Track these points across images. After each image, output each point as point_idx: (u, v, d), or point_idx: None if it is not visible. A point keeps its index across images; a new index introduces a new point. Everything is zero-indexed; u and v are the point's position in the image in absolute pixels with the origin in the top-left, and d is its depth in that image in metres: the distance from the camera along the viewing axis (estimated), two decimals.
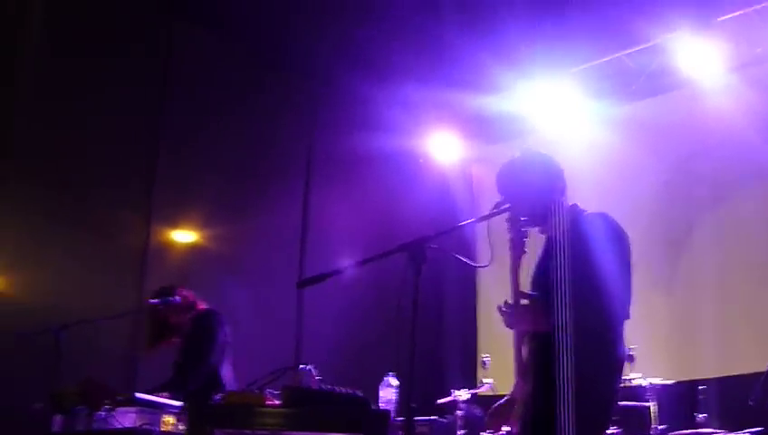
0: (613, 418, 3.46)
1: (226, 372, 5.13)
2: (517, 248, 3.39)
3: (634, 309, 3.33)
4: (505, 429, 5.68)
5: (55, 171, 6.81)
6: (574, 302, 3.06)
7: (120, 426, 4.05)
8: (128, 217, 7.35)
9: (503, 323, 3.42)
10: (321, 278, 2.84)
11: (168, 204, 7.66)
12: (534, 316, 3.34)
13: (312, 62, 8.42)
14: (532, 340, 3.42)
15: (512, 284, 3.40)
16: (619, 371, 3.37)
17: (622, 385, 3.93)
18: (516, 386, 3.47)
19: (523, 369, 3.42)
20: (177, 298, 5.11)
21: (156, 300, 5.15)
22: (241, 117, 8.13)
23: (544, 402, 3.09)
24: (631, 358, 5.58)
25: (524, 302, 3.40)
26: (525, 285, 3.46)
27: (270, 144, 8.39)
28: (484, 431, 6.38)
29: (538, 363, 3.33)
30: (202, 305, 5.33)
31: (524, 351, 3.44)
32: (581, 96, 8.38)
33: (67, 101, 6.92)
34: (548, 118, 8.62)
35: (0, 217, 6.40)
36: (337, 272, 2.91)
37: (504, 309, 3.37)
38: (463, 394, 6.53)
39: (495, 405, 3.60)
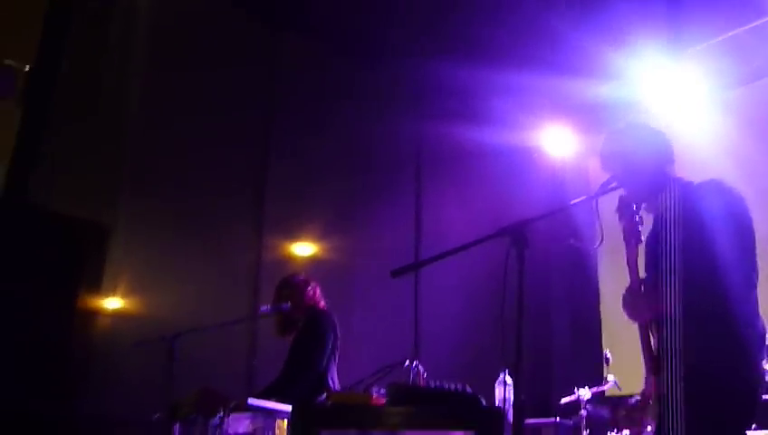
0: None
1: (332, 375, 5.09)
2: (632, 237, 3.15)
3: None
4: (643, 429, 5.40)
5: (168, 188, 6.92)
6: (688, 284, 2.81)
7: (233, 432, 4.04)
8: (240, 230, 7.42)
9: (625, 316, 3.20)
10: (414, 267, 2.73)
11: (279, 216, 7.69)
12: (653, 303, 3.08)
13: (419, 56, 8.28)
14: (660, 330, 3.14)
15: (630, 276, 3.16)
16: (754, 354, 3.01)
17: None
18: (647, 382, 3.19)
19: (652, 363, 3.18)
20: (286, 305, 5.12)
21: (266, 307, 5.21)
22: (348, 120, 8.09)
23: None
24: None
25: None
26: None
27: (378, 146, 8.34)
28: (611, 432, 6.12)
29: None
30: (320, 303, 5.31)
31: (653, 343, 3.19)
32: (700, 78, 7.95)
33: (176, 118, 7.03)
34: (665, 103, 8.21)
35: (116, 236, 6.52)
36: (429, 261, 2.77)
37: (625, 298, 3.16)
38: (586, 393, 6.24)
39: (629, 406, 3.36)
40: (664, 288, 2.86)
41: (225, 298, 6.82)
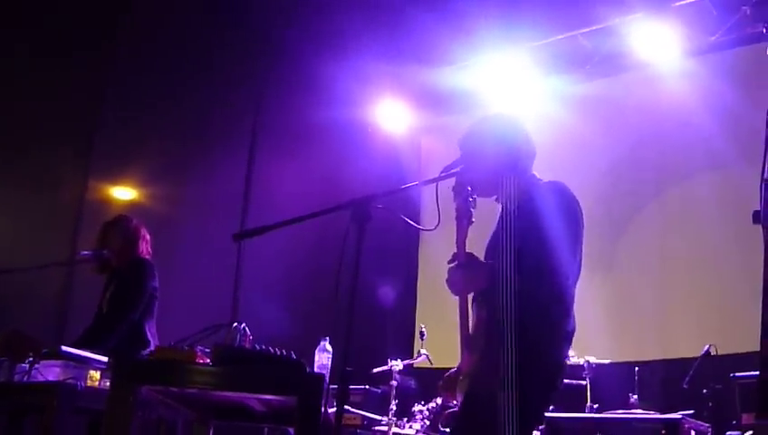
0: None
1: (151, 328, 4.98)
2: (463, 217, 3.25)
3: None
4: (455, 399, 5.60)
5: None
6: (522, 271, 2.94)
7: (43, 379, 3.88)
8: (65, 172, 7.13)
9: (443, 293, 3.27)
10: (259, 231, 2.71)
11: (107, 161, 7.45)
12: (476, 275, 3.17)
13: (263, 29, 8.26)
14: (480, 307, 3.26)
15: (458, 252, 3.24)
16: (568, 343, 3.22)
17: None
18: (463, 357, 3.30)
19: (468, 339, 3.30)
20: (105, 253, 4.97)
21: (87, 252, 5.02)
22: (189, 79, 7.94)
23: (491, 374, 2.93)
24: None
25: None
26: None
27: (217, 108, 8.26)
28: (418, 403, 6.36)
29: (487, 332, 3.15)
30: (144, 245, 5.14)
31: (471, 320, 3.31)
32: (535, 72, 8.32)
33: (5, 53, 6.64)
34: (500, 92, 8.53)
35: None
36: (276, 226, 2.77)
37: (450, 272, 3.23)
38: (398, 364, 6.44)
39: (446, 375, 3.47)
40: (501, 271, 2.94)
41: (43, 239, 6.56)
